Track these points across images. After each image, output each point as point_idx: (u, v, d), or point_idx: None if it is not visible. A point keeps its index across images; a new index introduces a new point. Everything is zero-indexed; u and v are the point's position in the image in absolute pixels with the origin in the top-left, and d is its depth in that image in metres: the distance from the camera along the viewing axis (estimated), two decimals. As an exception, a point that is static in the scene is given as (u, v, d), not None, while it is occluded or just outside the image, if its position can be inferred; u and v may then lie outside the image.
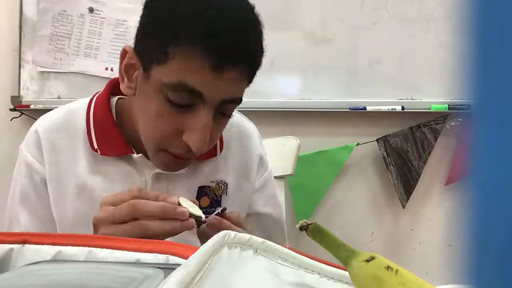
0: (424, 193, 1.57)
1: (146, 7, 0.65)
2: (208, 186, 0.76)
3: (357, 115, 1.56)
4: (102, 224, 0.53)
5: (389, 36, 1.51)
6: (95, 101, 0.74)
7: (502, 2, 0.10)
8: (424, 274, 1.51)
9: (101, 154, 0.70)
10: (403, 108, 1.50)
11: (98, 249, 0.30)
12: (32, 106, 1.66)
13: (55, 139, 0.72)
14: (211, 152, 0.75)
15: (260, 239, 0.32)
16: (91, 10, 1.66)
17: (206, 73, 0.56)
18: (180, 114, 0.60)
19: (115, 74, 1.83)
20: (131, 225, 0.51)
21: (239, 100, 0.63)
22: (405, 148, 1.53)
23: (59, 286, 0.26)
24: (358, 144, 1.54)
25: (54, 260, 0.31)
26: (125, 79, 0.65)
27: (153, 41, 0.60)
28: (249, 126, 0.85)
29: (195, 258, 0.27)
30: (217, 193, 0.77)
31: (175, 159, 0.64)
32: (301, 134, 1.26)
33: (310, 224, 0.32)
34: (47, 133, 0.72)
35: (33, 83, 1.69)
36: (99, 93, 0.75)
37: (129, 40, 1.69)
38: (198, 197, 0.75)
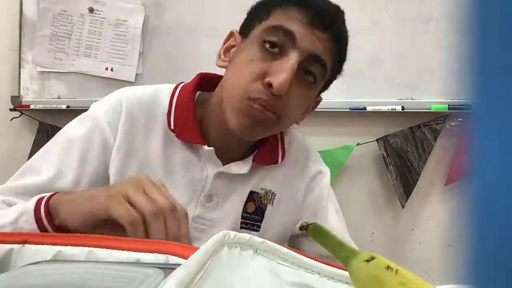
0: (423, 193, 1.57)
1: None
2: (257, 193, 0.79)
3: (357, 115, 1.55)
4: (112, 207, 0.51)
5: (389, 36, 1.51)
6: (181, 88, 0.77)
7: (502, 2, 0.10)
8: (424, 274, 1.51)
9: (176, 135, 0.73)
10: (403, 108, 1.50)
11: (98, 249, 0.30)
12: (32, 106, 1.66)
13: (136, 113, 0.73)
14: (273, 159, 0.79)
15: (260, 239, 0.32)
16: (91, 10, 1.66)
17: (301, 24, 0.65)
18: (270, 60, 0.65)
19: (115, 74, 1.83)
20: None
21: (324, 65, 0.68)
22: (405, 148, 1.53)
23: (59, 286, 0.26)
24: (358, 144, 1.54)
25: (54, 260, 0.31)
26: (222, 56, 0.74)
27: (256, 10, 0.71)
28: (309, 144, 0.90)
29: (195, 258, 0.27)
30: (263, 201, 0.79)
31: (255, 105, 0.65)
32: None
33: (310, 224, 0.32)
34: (130, 106, 0.73)
35: (33, 83, 1.69)
36: (184, 83, 0.79)
37: (129, 40, 1.69)
38: (247, 201, 0.77)
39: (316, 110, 1.53)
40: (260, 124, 0.68)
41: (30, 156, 1.66)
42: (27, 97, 1.69)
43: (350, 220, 1.63)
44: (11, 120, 1.69)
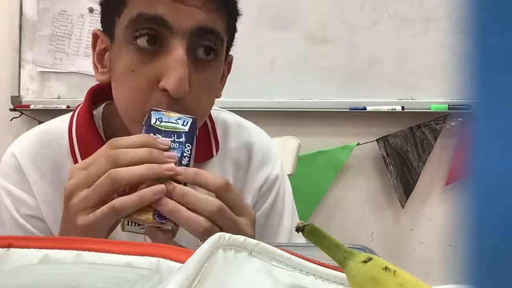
0: (423, 193, 1.57)
1: None
2: None
3: (357, 115, 1.55)
4: (75, 192, 0.46)
5: (389, 36, 1.51)
6: (77, 115, 0.67)
7: (502, 2, 0.10)
8: (424, 274, 1.51)
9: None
10: (403, 108, 1.50)
11: (87, 252, 0.29)
12: (32, 106, 1.66)
13: (38, 160, 0.65)
14: (207, 155, 0.71)
15: (254, 241, 0.32)
16: (91, 10, 1.66)
17: (166, 1, 0.53)
18: (151, 59, 0.54)
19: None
20: (101, 179, 0.45)
21: (215, 33, 0.56)
22: (405, 148, 1.53)
23: (52, 287, 0.26)
24: (358, 144, 1.54)
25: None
26: (98, 68, 0.62)
27: (108, 2, 0.58)
28: (247, 123, 0.79)
29: (193, 261, 0.27)
30: None
31: None
32: (301, 134, 1.25)
33: (307, 225, 0.32)
34: (26, 154, 0.64)
35: (33, 83, 1.69)
36: (80, 106, 0.69)
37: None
38: None
39: (316, 110, 1.54)
40: None
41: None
42: (27, 97, 1.69)
43: (350, 220, 1.63)
44: (11, 120, 1.70)
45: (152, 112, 0.52)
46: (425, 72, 1.49)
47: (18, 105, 1.67)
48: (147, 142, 0.48)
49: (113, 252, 0.30)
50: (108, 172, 0.45)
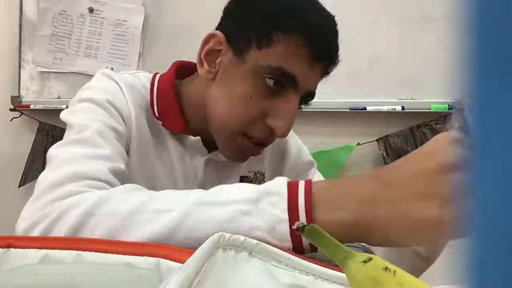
0: (424, 193, 1.57)
1: None
2: (247, 176, 0.78)
3: (357, 115, 1.55)
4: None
5: (389, 36, 1.51)
6: (159, 77, 0.73)
7: (502, 2, 0.10)
8: (424, 274, 1.51)
9: (162, 124, 0.69)
10: (403, 108, 1.50)
11: (87, 252, 0.29)
12: (32, 106, 1.66)
13: (131, 100, 0.67)
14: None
15: (254, 241, 0.32)
16: (91, 10, 1.67)
17: (305, 62, 0.61)
18: (269, 99, 0.61)
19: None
20: None
21: (314, 95, 0.67)
22: (405, 148, 1.53)
23: (52, 287, 0.26)
24: (358, 144, 1.54)
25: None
26: (205, 64, 0.66)
27: (253, 27, 0.62)
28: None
29: (193, 261, 0.27)
30: (254, 183, 0.76)
31: (251, 143, 0.64)
32: (301, 134, 1.25)
33: (307, 225, 0.32)
34: (126, 90, 0.67)
35: (33, 83, 1.69)
36: (160, 73, 0.74)
37: (129, 40, 1.69)
38: None
39: (316, 110, 1.54)
40: (255, 152, 0.68)
41: (30, 156, 1.66)
42: (27, 97, 1.69)
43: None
44: (11, 120, 1.70)
45: None
46: (425, 72, 1.49)
47: (18, 105, 1.68)
48: None
49: (113, 252, 0.30)
50: None
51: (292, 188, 0.43)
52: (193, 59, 0.70)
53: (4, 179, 1.68)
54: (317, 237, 0.32)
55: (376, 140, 1.54)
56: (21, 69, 1.69)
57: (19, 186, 1.64)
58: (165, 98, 0.70)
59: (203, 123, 0.69)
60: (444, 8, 1.44)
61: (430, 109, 1.49)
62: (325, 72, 0.66)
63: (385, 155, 1.53)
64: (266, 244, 0.32)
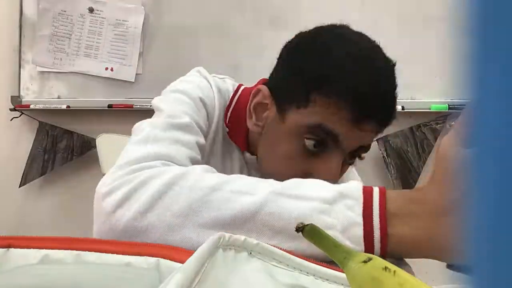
0: (424, 193, 1.57)
1: (290, 51, 0.67)
2: None
3: (357, 115, 1.55)
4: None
5: (389, 36, 1.51)
6: (242, 91, 0.74)
7: (502, 2, 0.10)
8: (424, 274, 1.51)
9: (228, 132, 0.70)
10: (403, 108, 1.50)
11: (87, 252, 0.29)
12: (32, 106, 1.66)
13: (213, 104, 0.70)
14: None
15: (254, 241, 0.32)
16: (91, 10, 1.67)
17: (347, 123, 0.57)
18: (311, 158, 0.60)
19: (115, 74, 1.83)
20: None
21: (369, 147, 0.63)
22: (405, 148, 1.53)
23: (52, 287, 0.26)
24: (358, 144, 1.54)
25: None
26: (253, 117, 0.67)
27: (295, 85, 0.61)
28: None
29: (193, 261, 0.27)
30: None
31: None
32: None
33: (307, 225, 0.32)
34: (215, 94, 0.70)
35: (33, 83, 1.69)
36: (245, 86, 0.76)
37: (129, 40, 1.69)
38: None
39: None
40: None
41: (30, 156, 1.66)
42: (27, 97, 1.69)
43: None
44: (11, 120, 1.70)
45: None
46: (425, 72, 1.49)
47: (18, 105, 1.68)
48: None
49: (113, 252, 0.30)
50: None
51: (366, 193, 0.45)
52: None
53: (4, 179, 1.68)
54: (317, 237, 0.32)
55: (376, 140, 1.54)
56: (21, 69, 1.69)
57: (19, 186, 1.64)
58: (239, 114, 0.71)
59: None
60: (444, 8, 1.44)
61: (430, 109, 1.49)
62: (379, 129, 0.62)
63: (385, 155, 1.53)
64: (266, 244, 0.32)
